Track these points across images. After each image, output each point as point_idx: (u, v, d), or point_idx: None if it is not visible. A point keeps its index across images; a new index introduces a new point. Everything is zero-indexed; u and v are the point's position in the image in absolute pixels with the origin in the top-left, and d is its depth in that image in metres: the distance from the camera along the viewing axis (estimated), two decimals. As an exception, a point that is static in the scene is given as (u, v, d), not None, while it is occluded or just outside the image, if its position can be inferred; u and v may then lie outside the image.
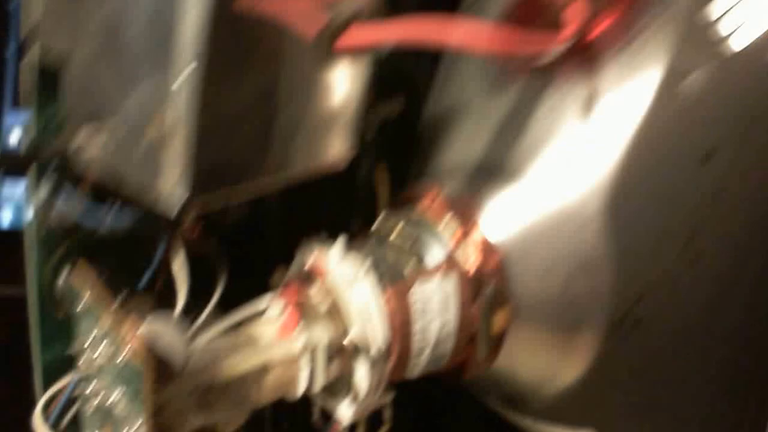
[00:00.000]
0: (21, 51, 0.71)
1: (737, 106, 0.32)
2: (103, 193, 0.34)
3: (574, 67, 0.33)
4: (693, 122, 0.32)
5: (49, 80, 0.33)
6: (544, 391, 0.36)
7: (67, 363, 0.37)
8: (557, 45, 0.31)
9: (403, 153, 0.40)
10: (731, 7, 0.31)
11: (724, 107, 0.32)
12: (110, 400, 0.28)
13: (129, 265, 0.36)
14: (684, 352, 0.35)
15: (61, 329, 0.37)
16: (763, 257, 0.34)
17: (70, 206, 0.34)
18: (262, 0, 0.27)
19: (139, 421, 0.26)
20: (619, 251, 0.32)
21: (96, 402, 0.29)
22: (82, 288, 0.29)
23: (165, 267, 0.36)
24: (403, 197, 0.37)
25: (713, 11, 0.32)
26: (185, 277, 0.35)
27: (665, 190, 0.32)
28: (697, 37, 0.31)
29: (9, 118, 0.72)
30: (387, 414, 0.33)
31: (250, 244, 0.39)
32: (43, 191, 0.34)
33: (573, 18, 0.31)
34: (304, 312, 0.31)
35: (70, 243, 0.36)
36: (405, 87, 0.43)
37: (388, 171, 0.39)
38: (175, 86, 0.26)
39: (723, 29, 0.32)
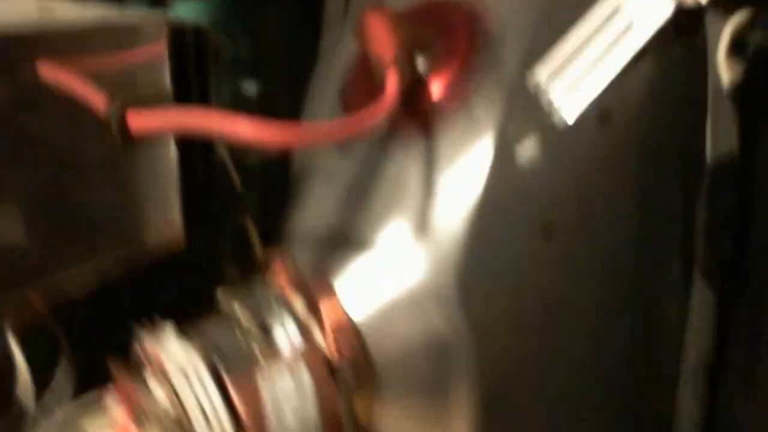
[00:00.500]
0: None
1: (572, 176, 0.29)
2: None
3: (412, 133, 0.29)
4: (529, 192, 0.29)
5: None
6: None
7: None
8: (376, 115, 0.27)
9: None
10: (560, 70, 0.29)
11: (558, 176, 0.29)
12: None
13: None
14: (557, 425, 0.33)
15: None
16: (624, 322, 0.32)
17: None
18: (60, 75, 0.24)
19: None
20: (473, 331, 0.29)
21: None
22: None
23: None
24: (256, 265, 0.33)
25: (542, 74, 0.29)
26: (23, 361, 0.31)
27: (512, 268, 0.29)
28: (526, 103, 0.28)
29: None
30: None
31: (96, 319, 0.36)
32: None
33: (389, 85, 0.28)
34: (139, 412, 0.27)
35: None
36: None
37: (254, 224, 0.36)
38: None
39: (552, 94, 0.29)
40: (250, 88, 0.41)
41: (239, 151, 0.35)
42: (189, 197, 0.31)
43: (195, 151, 0.32)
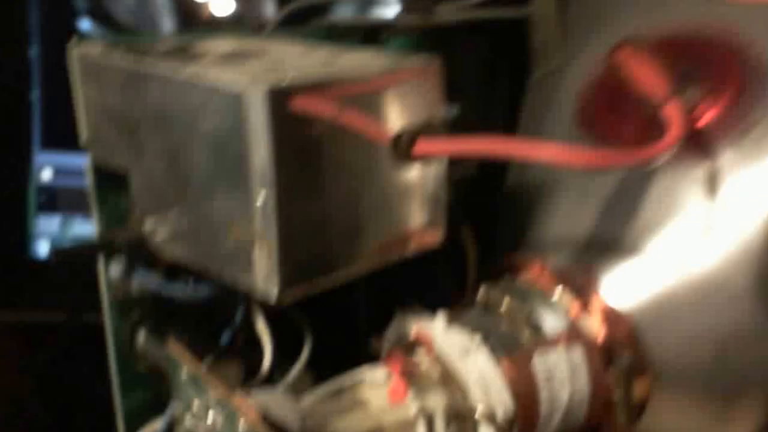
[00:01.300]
0: (44, 95, 0.72)
1: None
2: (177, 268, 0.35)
3: (686, 152, 0.32)
4: None
5: (106, 180, 0.34)
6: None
7: (146, 410, 0.37)
8: (664, 149, 0.30)
9: (480, 217, 0.40)
10: None
11: None
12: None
13: (205, 328, 0.37)
14: None
15: (139, 380, 0.38)
16: None
17: (146, 279, 0.35)
18: (340, 113, 0.28)
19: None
20: None
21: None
22: (181, 359, 0.29)
23: (244, 329, 0.36)
24: (499, 268, 0.36)
25: None
26: (269, 338, 0.35)
27: None
28: None
29: (39, 158, 0.73)
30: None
31: (329, 305, 0.40)
32: (115, 270, 0.35)
33: (674, 120, 0.30)
34: (413, 379, 0.30)
35: (147, 303, 0.37)
36: None
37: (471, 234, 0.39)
38: (253, 208, 0.28)
39: None
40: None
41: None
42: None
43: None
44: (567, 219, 0.35)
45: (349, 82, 0.29)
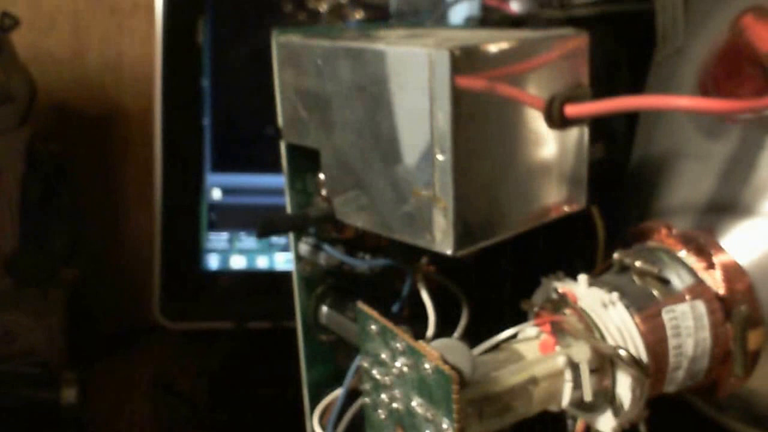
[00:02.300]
0: (214, 122, 0.80)
1: None
2: (358, 241, 0.40)
3: None
4: None
5: (297, 158, 0.40)
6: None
7: (329, 381, 0.41)
8: None
9: (606, 196, 0.43)
10: None
11: None
12: (408, 407, 0.31)
13: (379, 298, 0.41)
14: None
15: (322, 353, 0.42)
16: None
17: (331, 253, 0.40)
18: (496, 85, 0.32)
19: (446, 424, 0.30)
20: None
21: (391, 409, 0.32)
22: (371, 314, 0.33)
23: (410, 299, 0.41)
24: (629, 236, 0.40)
25: None
26: (432, 306, 0.39)
27: None
28: None
29: (209, 179, 0.81)
30: (643, 428, 0.35)
31: (484, 279, 0.43)
32: (304, 246, 0.40)
33: None
34: (560, 333, 0.34)
35: (329, 281, 0.41)
36: (604, 136, 0.47)
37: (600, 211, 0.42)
38: (434, 169, 0.32)
39: None
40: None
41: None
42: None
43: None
44: (689, 185, 0.39)
45: (515, 48, 0.34)
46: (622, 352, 0.32)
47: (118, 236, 0.93)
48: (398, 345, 0.32)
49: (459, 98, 0.31)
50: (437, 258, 0.41)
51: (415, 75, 0.32)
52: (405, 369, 0.32)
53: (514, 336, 0.35)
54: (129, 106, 0.91)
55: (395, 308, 0.41)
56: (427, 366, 0.30)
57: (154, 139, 0.79)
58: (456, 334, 0.40)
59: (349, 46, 0.35)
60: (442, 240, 0.33)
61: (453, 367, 0.30)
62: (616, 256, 0.37)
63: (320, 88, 0.36)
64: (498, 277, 0.44)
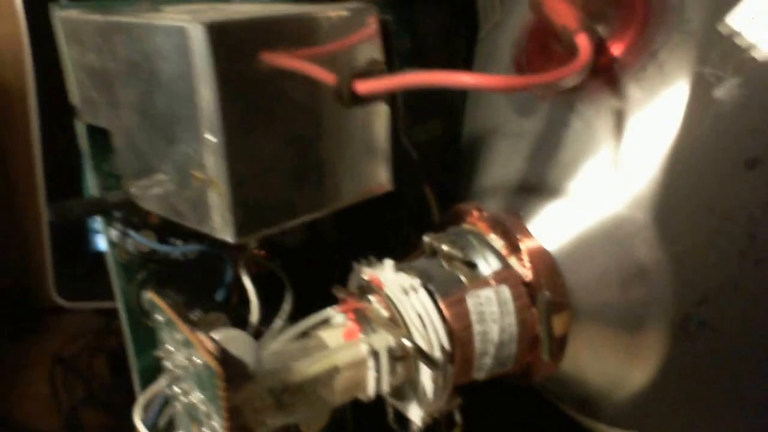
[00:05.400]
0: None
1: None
2: (170, 226, 0.38)
3: (598, 89, 0.33)
4: (730, 131, 0.31)
5: (104, 139, 0.37)
6: (614, 396, 0.37)
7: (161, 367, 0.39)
8: (572, 74, 0.32)
9: (445, 173, 0.42)
10: (755, 16, 0.31)
11: (762, 116, 0.31)
12: (193, 401, 0.30)
13: (203, 284, 0.39)
14: (753, 354, 0.35)
15: (151, 339, 0.40)
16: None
17: (138, 240, 0.38)
18: (286, 58, 0.30)
19: (218, 421, 0.28)
20: (672, 258, 0.32)
21: (183, 403, 0.31)
22: (161, 305, 0.31)
23: (237, 285, 0.39)
24: (446, 217, 0.38)
25: (734, 21, 0.31)
26: (255, 292, 0.37)
27: (713, 198, 0.32)
28: (721, 48, 0.31)
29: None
30: (457, 417, 0.34)
31: (308, 263, 0.42)
32: (113, 232, 0.38)
33: (582, 47, 0.32)
34: (364, 320, 0.32)
35: (149, 267, 0.39)
36: (441, 112, 0.46)
37: (433, 190, 0.41)
38: (204, 150, 0.30)
39: (749, 37, 0.31)
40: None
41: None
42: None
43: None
44: (502, 165, 0.38)
45: (288, 22, 0.31)
46: (408, 344, 0.31)
47: (11, 217, 0.90)
48: (178, 336, 0.30)
49: (225, 75, 0.29)
50: (265, 242, 0.40)
51: (177, 51, 0.30)
52: (186, 362, 0.30)
53: (327, 322, 0.34)
54: (9, 84, 0.86)
55: (219, 295, 0.39)
56: (198, 360, 0.28)
57: (30, 117, 0.75)
58: (279, 320, 0.38)
59: (120, 21, 0.32)
60: (222, 226, 0.31)
61: (232, 360, 0.29)
62: (425, 239, 0.35)
63: (103, 66, 0.34)
64: (327, 261, 0.42)
